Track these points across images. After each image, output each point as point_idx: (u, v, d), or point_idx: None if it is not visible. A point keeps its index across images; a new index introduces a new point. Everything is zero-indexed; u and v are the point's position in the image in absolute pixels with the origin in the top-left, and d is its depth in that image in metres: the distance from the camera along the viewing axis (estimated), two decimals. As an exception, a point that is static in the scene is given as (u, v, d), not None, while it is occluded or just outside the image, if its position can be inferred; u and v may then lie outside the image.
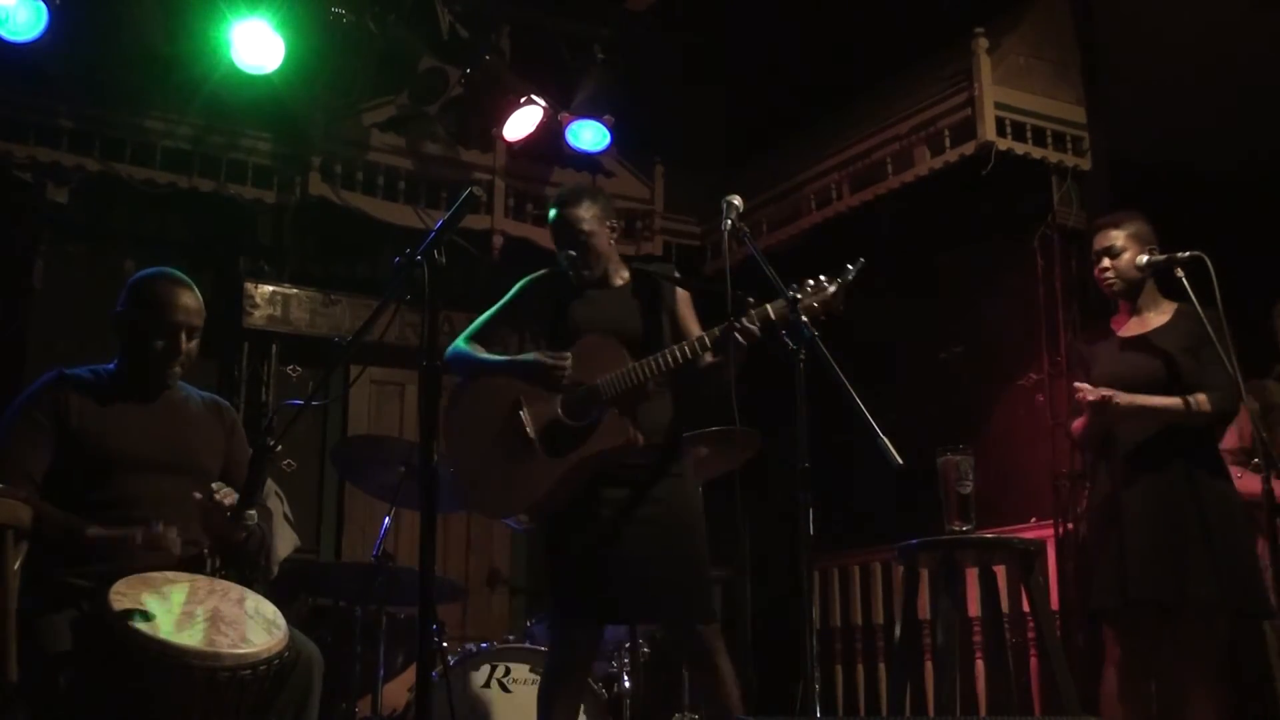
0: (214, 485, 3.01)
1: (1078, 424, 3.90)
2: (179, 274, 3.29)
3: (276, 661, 2.80)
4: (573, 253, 3.55)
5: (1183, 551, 3.65)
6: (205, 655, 2.68)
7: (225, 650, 2.71)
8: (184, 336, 3.20)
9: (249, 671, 2.73)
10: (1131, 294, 3.92)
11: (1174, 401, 3.73)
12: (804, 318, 3.14)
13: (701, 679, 3.41)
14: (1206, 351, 3.72)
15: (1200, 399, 3.71)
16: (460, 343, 3.59)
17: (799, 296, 3.25)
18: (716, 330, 3.34)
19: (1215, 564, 3.64)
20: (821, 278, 3.33)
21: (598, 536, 3.35)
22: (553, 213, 3.65)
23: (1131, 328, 3.93)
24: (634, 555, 3.34)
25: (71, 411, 3.10)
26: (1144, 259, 3.81)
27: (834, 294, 3.30)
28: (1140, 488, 3.75)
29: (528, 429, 3.39)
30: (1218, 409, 3.75)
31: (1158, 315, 3.90)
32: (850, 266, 3.34)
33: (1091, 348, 3.97)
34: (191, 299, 3.23)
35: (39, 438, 3.06)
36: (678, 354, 3.35)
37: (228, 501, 2.97)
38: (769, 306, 3.30)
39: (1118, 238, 3.89)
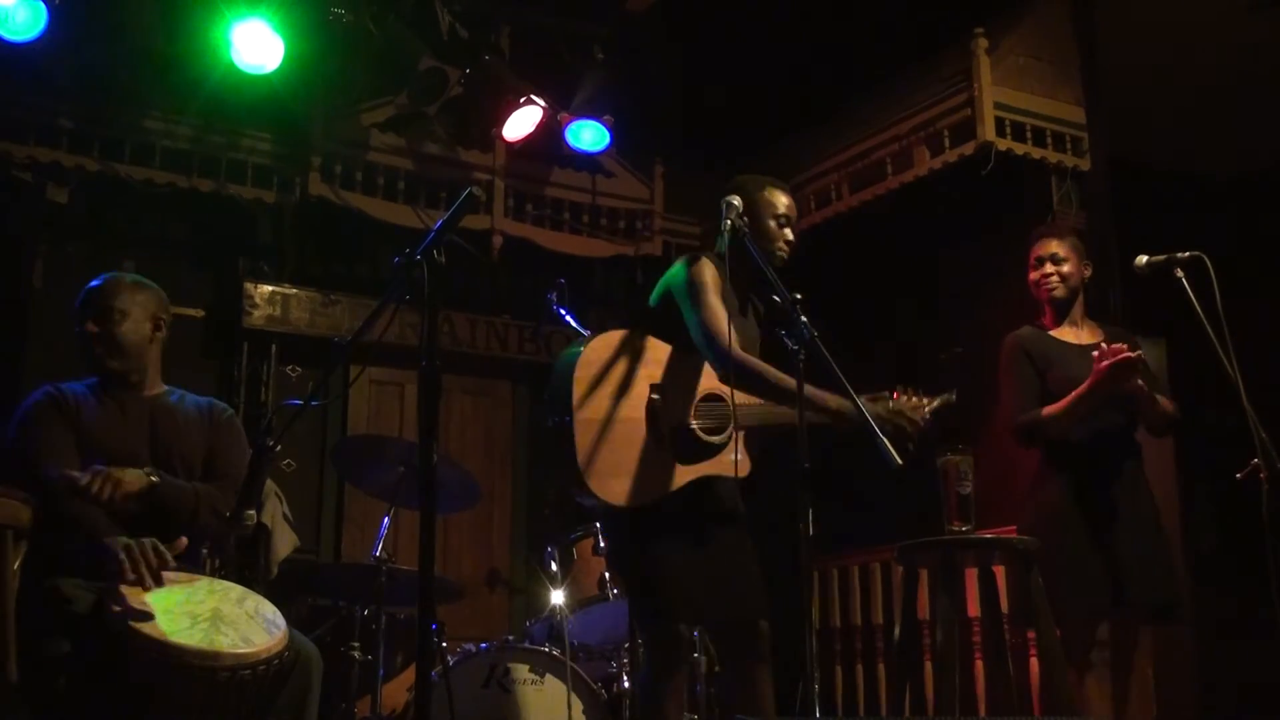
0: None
1: (1053, 408, 3.84)
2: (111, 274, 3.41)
3: (276, 662, 2.80)
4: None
5: (1151, 554, 3.81)
6: (205, 655, 2.68)
7: (225, 650, 2.71)
8: (99, 317, 3.28)
9: (249, 671, 2.73)
10: (1069, 303, 4.03)
11: (1165, 398, 3.91)
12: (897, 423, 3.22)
13: (754, 674, 3.34)
14: (1147, 377, 3.88)
15: (1172, 405, 3.93)
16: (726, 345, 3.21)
17: (799, 296, 3.25)
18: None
19: (1167, 567, 3.84)
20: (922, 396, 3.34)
21: (694, 540, 3.28)
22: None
23: (1066, 335, 4.02)
24: (723, 556, 3.31)
25: (82, 415, 3.20)
26: (1144, 259, 3.82)
27: (929, 411, 3.30)
28: (1114, 491, 3.84)
29: (661, 424, 3.26)
30: (1176, 419, 3.98)
31: (1089, 331, 4.02)
32: (950, 396, 3.37)
33: (1039, 345, 4.00)
34: (106, 285, 3.33)
35: (67, 437, 3.14)
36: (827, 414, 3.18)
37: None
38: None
39: (1060, 247, 4.01)
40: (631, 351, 3.30)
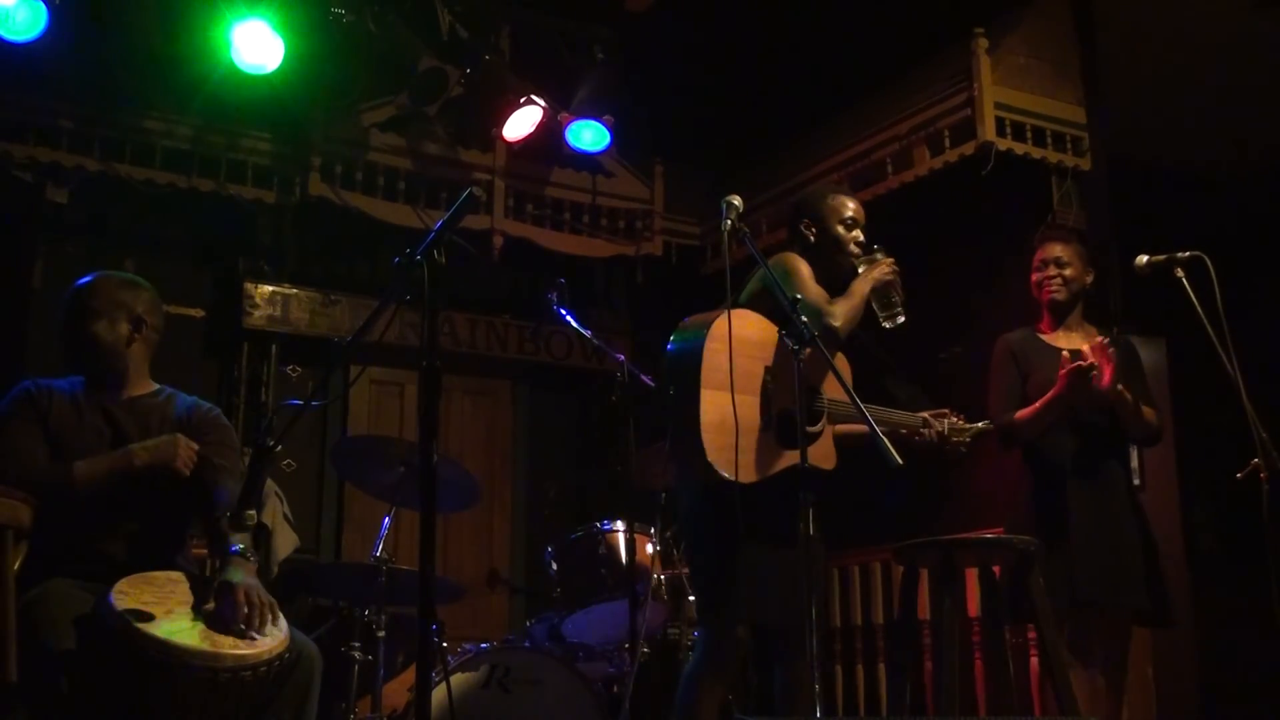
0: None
1: (1024, 413, 3.90)
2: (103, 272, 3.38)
3: (277, 663, 2.80)
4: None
5: (1127, 558, 3.83)
6: (206, 656, 2.68)
7: (226, 651, 2.71)
8: (74, 315, 3.24)
9: (249, 672, 2.73)
10: (1069, 307, 4.06)
11: (1150, 408, 3.95)
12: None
13: (803, 676, 3.32)
14: (1136, 384, 3.93)
15: (1155, 415, 3.97)
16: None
17: (799, 296, 3.25)
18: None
19: (1152, 574, 3.85)
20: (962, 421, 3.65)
21: (779, 540, 3.28)
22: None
23: (1059, 340, 4.04)
24: (792, 559, 3.29)
25: (51, 413, 3.16)
26: (1144, 259, 3.83)
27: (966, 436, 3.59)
28: (1086, 494, 3.86)
29: (772, 407, 3.32)
30: (1159, 431, 4.03)
31: (1082, 336, 4.03)
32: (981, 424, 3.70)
33: (1025, 349, 4.04)
34: (89, 283, 3.28)
35: (36, 433, 3.11)
36: (898, 425, 3.48)
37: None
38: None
39: (1065, 251, 4.05)
40: (753, 332, 3.34)
